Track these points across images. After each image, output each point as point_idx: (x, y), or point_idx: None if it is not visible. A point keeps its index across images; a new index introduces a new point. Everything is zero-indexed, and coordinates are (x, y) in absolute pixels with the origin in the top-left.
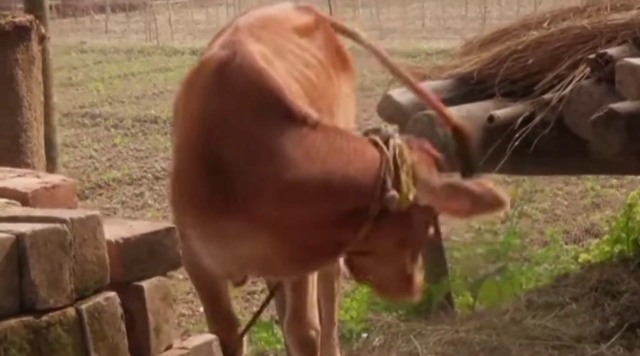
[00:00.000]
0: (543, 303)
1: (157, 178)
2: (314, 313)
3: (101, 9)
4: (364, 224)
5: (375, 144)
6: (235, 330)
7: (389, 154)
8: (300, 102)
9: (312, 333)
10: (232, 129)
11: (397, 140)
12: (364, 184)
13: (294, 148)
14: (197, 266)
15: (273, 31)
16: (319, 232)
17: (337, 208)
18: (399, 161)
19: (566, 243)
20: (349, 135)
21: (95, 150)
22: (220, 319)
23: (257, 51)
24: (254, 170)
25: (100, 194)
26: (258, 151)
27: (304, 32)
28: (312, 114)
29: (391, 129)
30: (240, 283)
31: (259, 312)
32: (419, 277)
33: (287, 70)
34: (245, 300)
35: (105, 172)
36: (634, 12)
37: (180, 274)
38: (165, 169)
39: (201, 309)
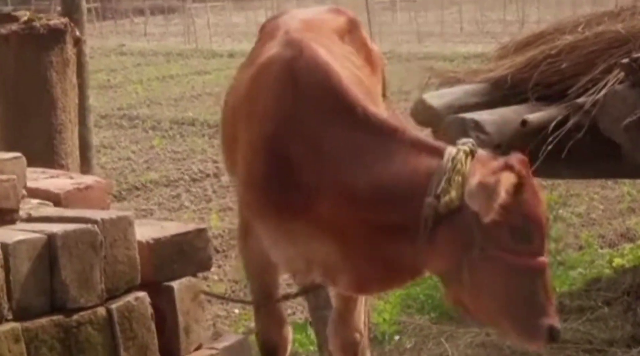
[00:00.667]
0: (575, 307)
1: (194, 180)
2: (360, 316)
3: (140, 12)
4: (420, 234)
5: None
6: (283, 328)
7: (444, 163)
8: (373, 107)
9: (357, 336)
10: (304, 129)
11: (459, 149)
12: (412, 194)
13: (361, 153)
14: (259, 263)
15: (317, 33)
16: (375, 238)
17: (388, 216)
18: (451, 168)
19: (601, 247)
20: (419, 142)
21: (133, 152)
22: (271, 316)
23: (323, 51)
24: (320, 171)
25: (138, 196)
26: (326, 152)
27: (342, 33)
28: (389, 120)
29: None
30: (309, 283)
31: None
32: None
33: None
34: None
35: (142, 173)
36: None
37: (215, 275)
38: (203, 171)
39: (236, 310)
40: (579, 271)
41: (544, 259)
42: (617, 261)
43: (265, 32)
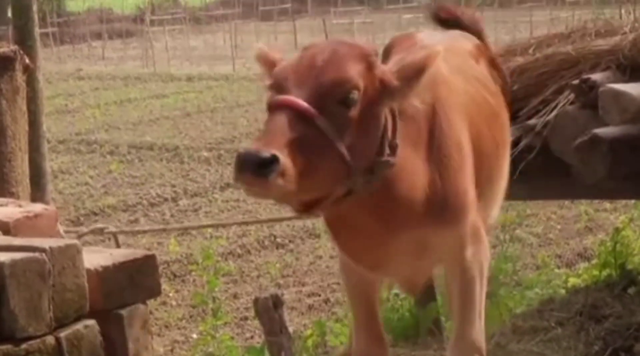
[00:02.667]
0: (529, 328)
1: (152, 205)
2: (480, 334)
3: (98, 36)
4: None
5: None
6: (384, 347)
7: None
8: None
9: None
10: None
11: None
12: None
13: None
14: (356, 279)
15: (455, 54)
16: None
17: None
18: None
19: (558, 267)
20: None
21: (91, 177)
22: (373, 335)
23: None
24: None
25: (95, 221)
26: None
27: (476, 57)
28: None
29: None
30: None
31: None
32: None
33: (468, 92)
34: (239, 326)
35: (100, 198)
36: (617, 38)
37: (174, 300)
38: (161, 195)
39: (194, 335)
40: (535, 291)
41: (282, 97)
42: (573, 280)
43: (402, 48)
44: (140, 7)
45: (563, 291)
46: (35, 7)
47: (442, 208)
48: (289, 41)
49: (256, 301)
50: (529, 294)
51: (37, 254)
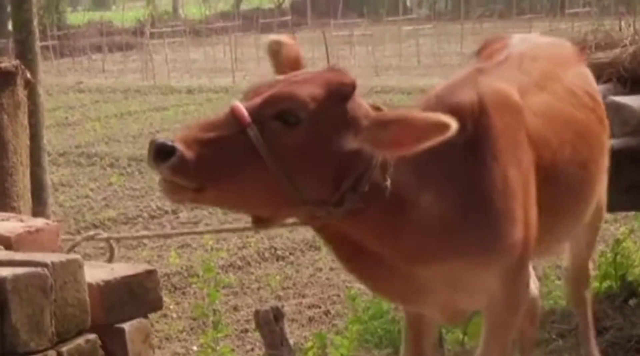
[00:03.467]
0: None
1: (152, 217)
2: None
3: (98, 49)
4: None
5: None
6: None
7: None
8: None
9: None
10: None
11: None
12: None
13: None
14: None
15: (543, 62)
16: None
17: None
18: None
19: (559, 278)
20: None
21: (91, 189)
22: None
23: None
24: None
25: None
26: None
27: (572, 66)
28: None
29: None
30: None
31: None
32: None
33: (548, 112)
34: (239, 338)
35: (100, 211)
36: (617, 51)
37: (174, 313)
38: (161, 208)
39: (194, 348)
40: None
41: (236, 103)
42: None
43: (492, 50)
44: (140, 19)
45: (564, 303)
46: (35, 21)
47: (472, 245)
48: None
49: (257, 313)
50: None
51: (39, 269)
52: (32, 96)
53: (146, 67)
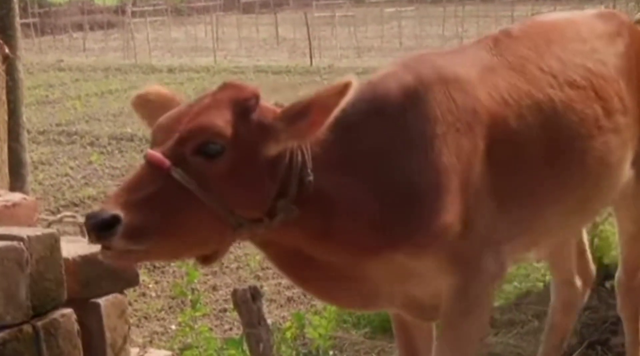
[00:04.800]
0: (506, 320)
1: None
2: None
3: (79, 27)
4: None
5: None
6: None
7: None
8: None
9: None
10: None
11: None
12: None
13: None
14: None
15: (537, 40)
16: None
17: None
18: None
19: (537, 261)
20: None
21: (71, 168)
22: None
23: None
24: None
25: (76, 212)
26: None
27: (597, 41)
28: None
29: None
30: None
31: None
32: None
33: (513, 85)
34: (218, 318)
35: (80, 189)
36: None
37: (153, 291)
38: None
39: (173, 326)
40: (514, 284)
41: (150, 151)
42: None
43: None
44: None
45: (541, 285)
46: None
47: (402, 234)
48: (270, 34)
49: (235, 293)
50: (508, 288)
51: (15, 243)
52: (12, 72)
53: (127, 46)
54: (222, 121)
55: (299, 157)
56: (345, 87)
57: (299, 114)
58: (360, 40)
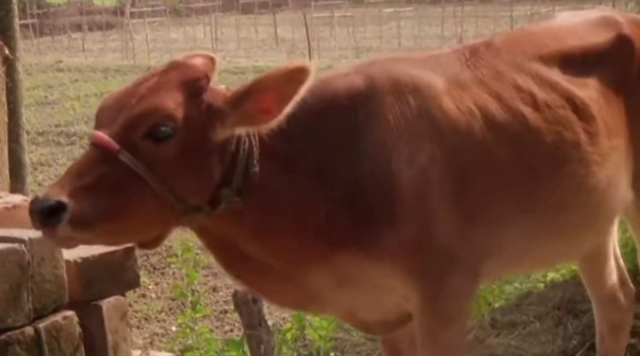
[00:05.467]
0: (507, 322)
1: None
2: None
3: (78, 28)
4: None
5: None
6: None
7: None
8: None
9: None
10: None
11: None
12: None
13: None
14: None
15: (520, 51)
16: None
17: None
18: None
19: None
20: None
21: None
22: None
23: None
24: None
25: None
26: None
27: (589, 56)
28: None
29: None
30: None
31: None
32: None
33: (482, 100)
34: (218, 319)
35: None
36: None
37: (153, 293)
38: None
39: (173, 328)
40: (514, 285)
41: (97, 133)
42: (551, 275)
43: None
44: None
45: (542, 286)
46: None
47: (347, 241)
48: (269, 34)
49: (235, 294)
50: (508, 289)
51: (16, 245)
52: (11, 73)
53: (126, 47)
54: (173, 102)
55: (246, 146)
56: (298, 72)
57: (244, 97)
58: (359, 40)
